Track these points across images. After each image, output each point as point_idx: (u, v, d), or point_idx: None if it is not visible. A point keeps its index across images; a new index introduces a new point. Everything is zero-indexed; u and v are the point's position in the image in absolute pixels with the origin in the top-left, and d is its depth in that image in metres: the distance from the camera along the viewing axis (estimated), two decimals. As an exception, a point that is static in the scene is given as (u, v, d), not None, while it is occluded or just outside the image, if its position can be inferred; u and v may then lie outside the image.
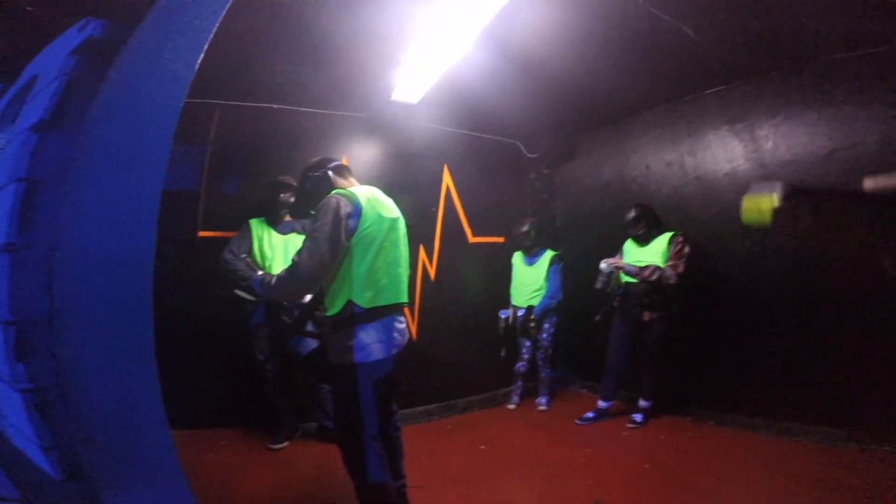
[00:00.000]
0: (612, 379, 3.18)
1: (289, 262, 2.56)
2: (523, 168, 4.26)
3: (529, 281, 3.53)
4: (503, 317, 3.60)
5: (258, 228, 2.74)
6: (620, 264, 2.99)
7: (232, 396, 2.84)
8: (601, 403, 3.22)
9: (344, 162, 1.90)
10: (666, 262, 2.90)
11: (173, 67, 1.13)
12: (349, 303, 1.64)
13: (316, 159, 1.92)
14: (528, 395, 3.65)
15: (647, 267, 2.90)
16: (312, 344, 2.54)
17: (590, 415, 3.20)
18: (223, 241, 2.71)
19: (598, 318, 3.21)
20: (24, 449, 1.31)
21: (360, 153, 3.41)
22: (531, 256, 3.58)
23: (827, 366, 2.61)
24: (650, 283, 2.89)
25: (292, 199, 2.77)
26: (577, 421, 3.19)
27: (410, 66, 2.75)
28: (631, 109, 3.62)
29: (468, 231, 3.83)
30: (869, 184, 0.31)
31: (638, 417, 3.08)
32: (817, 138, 2.66)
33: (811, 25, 2.37)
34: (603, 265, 3.02)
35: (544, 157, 4.30)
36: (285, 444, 2.73)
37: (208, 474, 2.33)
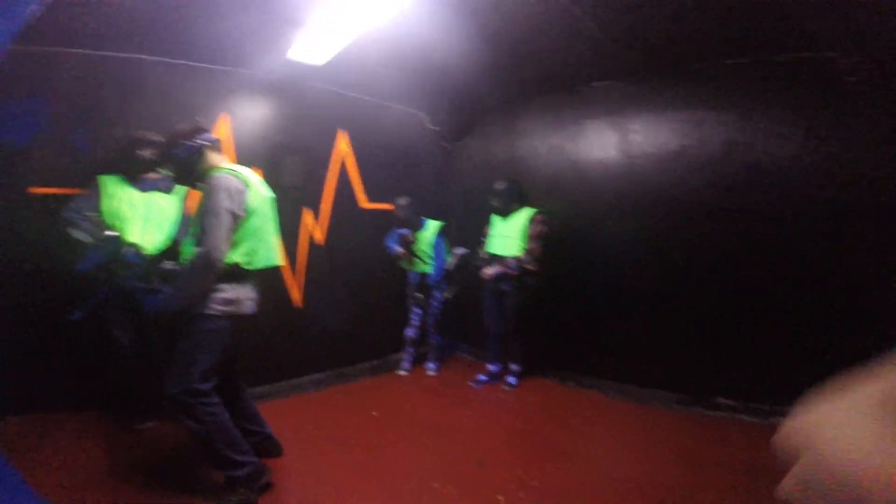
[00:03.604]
0: (494, 344, 3.44)
1: (150, 222, 2.35)
2: (426, 139, 4.24)
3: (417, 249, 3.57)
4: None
5: (113, 186, 2.42)
6: (494, 272, 3.20)
7: (80, 374, 2.55)
8: (490, 367, 3.49)
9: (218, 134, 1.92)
10: (525, 242, 3.15)
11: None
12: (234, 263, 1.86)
13: (187, 126, 1.96)
14: (419, 361, 3.78)
15: (509, 262, 3.14)
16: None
17: (482, 378, 3.46)
18: (62, 199, 2.37)
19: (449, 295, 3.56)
20: None
21: (244, 111, 3.11)
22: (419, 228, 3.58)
23: (662, 336, 3.07)
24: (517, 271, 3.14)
25: (151, 156, 2.45)
26: (470, 383, 3.43)
27: (313, 27, 2.58)
28: (526, 94, 3.74)
29: (362, 196, 3.74)
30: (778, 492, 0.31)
31: (512, 380, 3.38)
32: (674, 136, 3.03)
33: (692, 34, 2.60)
34: (490, 271, 3.23)
35: (445, 131, 4.30)
36: (151, 423, 2.53)
37: (53, 460, 2.12)
